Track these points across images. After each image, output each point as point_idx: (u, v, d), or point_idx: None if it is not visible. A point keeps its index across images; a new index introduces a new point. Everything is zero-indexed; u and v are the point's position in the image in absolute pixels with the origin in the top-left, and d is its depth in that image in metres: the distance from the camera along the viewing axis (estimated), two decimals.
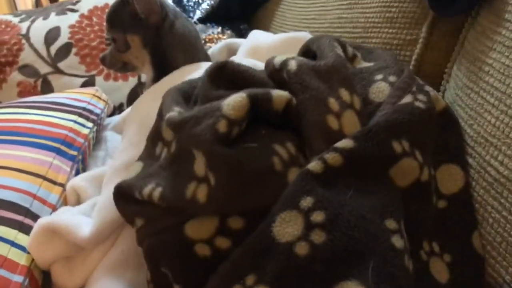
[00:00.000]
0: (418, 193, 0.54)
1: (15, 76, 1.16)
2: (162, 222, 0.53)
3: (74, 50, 1.18)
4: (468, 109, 0.60)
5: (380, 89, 0.60)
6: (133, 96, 1.15)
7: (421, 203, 0.54)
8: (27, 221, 0.65)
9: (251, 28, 1.14)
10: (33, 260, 0.62)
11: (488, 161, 0.54)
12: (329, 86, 0.56)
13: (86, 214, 0.66)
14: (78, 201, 0.73)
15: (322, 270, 0.44)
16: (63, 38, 1.19)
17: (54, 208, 0.70)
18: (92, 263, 0.62)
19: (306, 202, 0.47)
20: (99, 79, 1.17)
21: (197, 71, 0.75)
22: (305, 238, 0.45)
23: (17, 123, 0.83)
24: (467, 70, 0.63)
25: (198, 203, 0.50)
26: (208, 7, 1.27)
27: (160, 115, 0.63)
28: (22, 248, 0.62)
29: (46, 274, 0.65)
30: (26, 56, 1.17)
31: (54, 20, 1.23)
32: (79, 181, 0.74)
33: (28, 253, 0.62)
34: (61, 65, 1.17)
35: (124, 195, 0.58)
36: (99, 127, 0.95)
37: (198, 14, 1.27)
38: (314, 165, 0.50)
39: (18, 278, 0.58)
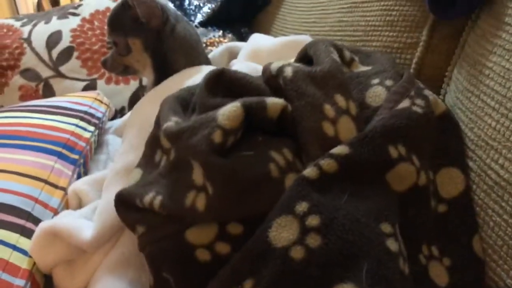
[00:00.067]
0: (416, 198, 0.54)
1: (17, 80, 1.16)
2: (163, 229, 0.54)
3: (75, 54, 1.18)
4: (468, 112, 0.60)
5: (377, 93, 0.60)
6: (134, 100, 1.15)
7: (419, 207, 0.55)
8: (29, 225, 0.65)
9: (252, 32, 1.14)
10: (34, 263, 0.62)
11: (489, 164, 0.54)
12: (324, 92, 0.57)
13: (88, 218, 0.67)
14: (80, 205, 0.73)
15: (317, 274, 0.45)
16: (65, 42, 1.19)
17: (55, 212, 0.70)
18: (94, 266, 0.62)
19: (302, 207, 0.48)
20: (100, 83, 1.17)
21: (198, 74, 0.76)
22: (301, 242, 0.46)
23: (19, 127, 0.84)
24: (467, 73, 0.63)
25: (197, 211, 0.50)
26: (209, 10, 1.27)
27: (158, 122, 0.63)
28: (23, 252, 0.62)
29: (48, 278, 0.65)
30: (28, 60, 1.17)
31: (55, 24, 1.23)
32: (81, 185, 0.74)
33: (30, 256, 0.62)
34: (63, 68, 1.17)
35: (125, 203, 0.58)
36: (101, 131, 0.96)
37: (199, 17, 1.27)
38: (309, 171, 0.50)
39: (19, 282, 0.59)
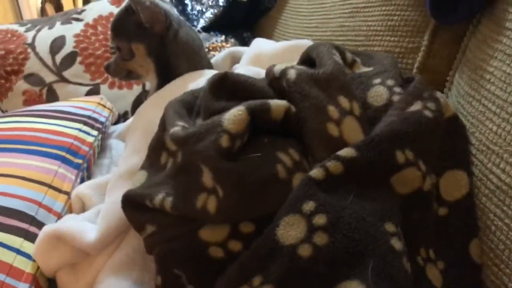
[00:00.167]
0: (419, 201, 0.55)
1: (21, 84, 1.16)
2: (175, 229, 0.55)
3: (79, 59, 1.19)
4: (470, 117, 0.60)
5: (378, 93, 0.61)
6: (137, 104, 1.15)
7: (422, 211, 0.55)
8: (33, 229, 0.65)
9: (254, 36, 1.14)
10: (38, 267, 0.63)
11: (490, 168, 0.55)
12: (328, 94, 0.57)
13: (91, 221, 0.67)
14: (83, 209, 0.74)
15: (324, 271, 0.46)
16: (68, 47, 1.20)
17: (59, 216, 0.71)
18: (98, 268, 0.62)
19: (309, 206, 0.49)
20: (103, 88, 1.18)
21: (200, 78, 0.76)
22: (308, 240, 0.47)
23: (23, 131, 0.84)
24: (468, 78, 0.63)
25: (208, 213, 0.52)
26: (211, 15, 1.28)
27: (163, 126, 0.64)
28: (27, 256, 0.62)
29: (52, 282, 0.65)
30: (32, 65, 1.17)
31: (59, 29, 1.24)
32: (84, 189, 0.74)
33: (34, 260, 0.63)
34: (66, 73, 1.18)
35: (132, 203, 0.59)
36: (104, 135, 0.96)
37: (201, 22, 1.28)
38: (315, 172, 0.51)
39: (23, 286, 0.59)
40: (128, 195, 0.59)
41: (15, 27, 1.26)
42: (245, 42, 1.24)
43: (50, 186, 0.73)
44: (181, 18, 0.86)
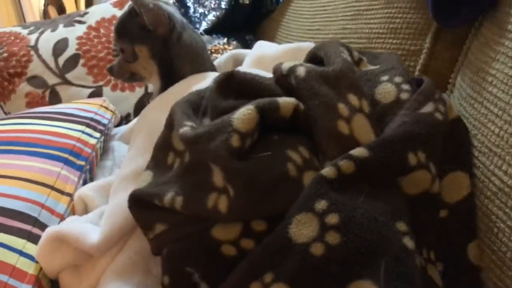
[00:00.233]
0: (426, 203, 0.55)
1: (24, 87, 1.17)
2: (187, 227, 0.55)
3: (81, 61, 1.19)
4: (472, 119, 0.60)
5: (386, 90, 0.61)
6: (140, 106, 1.16)
7: (427, 212, 0.55)
8: (35, 230, 0.66)
9: (257, 39, 1.14)
10: (41, 269, 0.63)
11: (492, 170, 0.55)
12: (337, 92, 0.57)
13: (94, 223, 0.67)
14: (86, 211, 0.74)
15: (336, 270, 0.46)
16: (71, 49, 1.20)
17: (62, 218, 0.71)
18: (101, 270, 0.62)
19: (321, 205, 0.49)
20: (106, 90, 1.18)
21: (203, 81, 0.76)
22: (321, 239, 0.47)
23: (25, 133, 0.84)
24: (470, 81, 0.63)
25: (220, 213, 0.52)
26: (214, 18, 1.28)
27: (169, 126, 0.64)
28: (30, 257, 0.63)
29: (55, 283, 0.65)
30: (35, 67, 1.18)
31: (62, 31, 1.24)
32: (87, 191, 0.74)
33: (37, 262, 0.63)
34: (69, 76, 1.18)
35: (140, 202, 0.59)
36: (107, 137, 0.96)
37: (204, 25, 1.28)
38: (327, 171, 0.51)
39: (26, 287, 0.59)
40: (136, 194, 0.59)
41: (18, 29, 1.27)
42: (247, 45, 1.24)
43: (52, 188, 0.73)
44: (185, 20, 0.86)
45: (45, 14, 2.34)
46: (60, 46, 1.21)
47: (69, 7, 2.42)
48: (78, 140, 0.85)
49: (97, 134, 0.91)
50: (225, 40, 1.24)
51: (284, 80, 0.63)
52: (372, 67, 0.68)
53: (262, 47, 0.89)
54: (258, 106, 0.55)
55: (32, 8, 2.37)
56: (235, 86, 0.62)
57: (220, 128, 0.54)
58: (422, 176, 0.54)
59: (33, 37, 1.23)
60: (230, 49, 1.17)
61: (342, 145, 0.54)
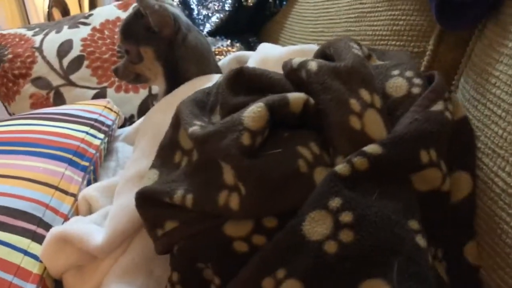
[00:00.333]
0: (436, 200, 0.55)
1: (28, 88, 1.18)
2: (198, 224, 0.55)
3: (86, 62, 1.20)
4: (475, 120, 0.61)
5: (398, 84, 0.61)
6: (143, 108, 1.16)
7: (436, 210, 0.56)
8: (40, 230, 0.66)
9: (260, 41, 1.15)
10: (45, 268, 0.63)
11: (496, 172, 0.55)
12: (349, 87, 0.57)
13: (98, 224, 0.67)
14: (90, 211, 0.74)
15: (350, 268, 0.47)
16: (75, 51, 1.21)
17: (66, 218, 0.71)
18: (104, 271, 0.63)
19: (335, 202, 0.49)
20: (110, 91, 1.19)
21: (208, 83, 0.76)
22: (334, 237, 0.48)
23: (30, 134, 0.85)
24: (474, 82, 0.63)
25: (231, 210, 0.52)
26: (217, 20, 1.28)
27: (175, 125, 0.64)
28: (34, 257, 0.63)
29: (58, 283, 0.65)
30: (39, 69, 1.19)
31: (66, 33, 1.25)
32: (91, 191, 0.75)
33: (41, 262, 0.63)
34: (73, 77, 1.19)
35: (148, 200, 0.59)
36: (110, 138, 0.97)
37: (207, 27, 1.28)
38: (341, 168, 0.51)
39: (30, 287, 0.59)
40: (143, 192, 0.59)
41: (23, 31, 1.27)
42: (251, 47, 1.24)
43: (57, 188, 0.74)
44: (190, 22, 0.87)
45: (49, 16, 2.35)
46: (64, 48, 1.21)
47: (73, 9, 2.43)
48: (82, 141, 0.86)
49: (101, 135, 0.91)
50: (228, 42, 1.24)
51: (294, 75, 0.63)
52: (381, 63, 0.68)
53: (266, 49, 0.89)
54: (268, 104, 0.55)
55: (37, 10, 2.38)
56: (245, 82, 0.62)
57: (230, 126, 0.54)
58: (433, 174, 0.54)
59: (37, 39, 1.23)
60: (234, 51, 1.17)
61: (353, 140, 0.54)
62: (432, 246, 0.55)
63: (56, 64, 1.19)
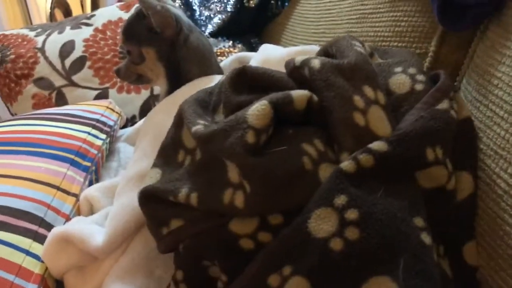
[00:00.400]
0: (440, 198, 0.55)
1: (30, 88, 1.18)
2: (204, 223, 0.55)
3: (88, 63, 1.20)
4: (477, 122, 0.61)
5: (401, 81, 0.61)
6: (145, 108, 1.17)
7: (441, 208, 0.56)
8: (42, 230, 0.66)
9: (262, 42, 1.15)
10: (47, 269, 0.63)
11: (498, 173, 0.55)
12: (352, 84, 0.57)
13: (99, 224, 0.67)
14: (91, 211, 0.74)
15: (355, 265, 0.47)
16: (78, 51, 1.21)
17: (67, 218, 0.71)
18: (105, 272, 0.63)
19: (340, 200, 0.49)
20: (112, 92, 1.19)
21: (210, 83, 0.76)
22: (340, 234, 0.48)
23: (32, 134, 0.85)
24: (476, 84, 0.63)
25: (237, 208, 0.52)
26: (219, 21, 1.29)
27: (178, 124, 0.64)
28: (36, 257, 0.63)
29: (60, 283, 0.65)
30: (42, 69, 1.19)
31: (69, 34, 1.25)
32: (93, 192, 0.75)
33: (42, 262, 0.63)
34: (75, 78, 1.19)
35: (151, 199, 0.59)
36: (112, 139, 0.97)
37: (209, 28, 1.28)
38: (347, 165, 0.51)
39: (32, 287, 0.60)
40: (147, 190, 0.59)
41: (26, 31, 1.28)
42: (253, 48, 1.24)
43: (58, 188, 0.74)
44: (192, 23, 0.87)
45: (52, 16, 2.35)
46: (66, 48, 1.22)
47: (75, 10, 2.43)
48: (84, 141, 0.86)
49: (103, 136, 0.91)
50: (230, 43, 1.24)
51: (296, 73, 0.63)
52: (383, 61, 0.68)
53: (267, 50, 0.89)
54: (272, 101, 0.55)
55: (39, 10, 2.39)
56: (247, 81, 0.62)
57: (235, 125, 0.54)
58: (439, 172, 0.54)
59: (40, 39, 1.24)
60: (236, 52, 1.17)
61: (358, 136, 0.54)
62: (435, 243, 0.55)
63: (58, 65, 1.20)
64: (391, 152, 0.52)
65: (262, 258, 0.50)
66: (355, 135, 0.55)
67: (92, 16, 1.31)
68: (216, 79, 0.77)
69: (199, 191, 0.55)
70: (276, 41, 1.24)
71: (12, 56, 1.20)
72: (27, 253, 0.62)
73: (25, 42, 1.23)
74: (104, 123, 0.95)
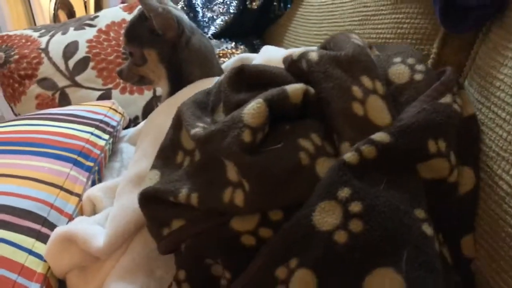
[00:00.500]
0: (441, 189, 0.55)
1: (34, 89, 1.19)
2: (204, 222, 0.56)
3: (91, 64, 1.21)
4: (479, 123, 0.61)
5: (400, 71, 0.61)
6: (148, 109, 1.17)
7: (443, 200, 0.56)
8: (44, 230, 0.66)
9: (265, 44, 1.15)
10: (49, 268, 0.64)
11: (500, 175, 0.55)
12: (350, 75, 0.58)
13: (101, 224, 0.68)
14: (94, 211, 0.75)
15: (359, 257, 0.47)
16: (81, 52, 1.22)
17: (70, 218, 0.72)
18: (107, 272, 0.63)
19: (344, 192, 0.49)
20: (115, 92, 1.19)
21: (211, 85, 0.77)
22: (344, 227, 0.48)
23: (36, 134, 0.85)
24: (478, 86, 0.63)
25: (237, 207, 0.53)
26: (222, 23, 1.29)
27: (176, 126, 0.65)
28: (39, 256, 0.63)
29: (62, 283, 0.66)
30: (45, 70, 1.20)
31: (72, 34, 1.26)
32: (95, 192, 0.75)
33: (45, 261, 0.64)
34: (79, 78, 1.20)
35: (151, 200, 0.59)
36: (115, 139, 0.97)
37: (212, 29, 1.29)
38: (350, 156, 0.52)
39: (35, 286, 0.60)
40: (147, 192, 0.59)
41: (29, 32, 1.28)
42: (255, 49, 1.25)
43: (61, 188, 0.74)
44: (194, 25, 0.87)
45: (55, 17, 2.36)
46: (70, 49, 1.22)
47: (79, 11, 2.44)
48: (87, 141, 0.86)
49: (106, 136, 0.92)
50: (233, 44, 1.24)
51: (294, 66, 0.63)
52: (382, 53, 0.69)
53: (269, 51, 0.89)
54: (267, 99, 0.55)
55: (42, 11, 2.40)
56: (245, 79, 0.63)
57: (231, 124, 0.54)
58: (440, 165, 0.54)
59: (44, 40, 1.24)
60: (238, 53, 1.18)
61: (357, 126, 0.55)
62: (435, 231, 0.55)
63: (61, 65, 1.20)
64: (394, 144, 0.52)
65: (268, 252, 0.51)
66: (354, 125, 0.55)
67: (96, 17, 1.32)
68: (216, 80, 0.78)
69: (199, 191, 0.56)
70: (278, 42, 1.24)
71: (16, 57, 1.20)
72: (30, 252, 0.63)
73: (28, 43, 1.24)
74: (107, 124, 0.95)
